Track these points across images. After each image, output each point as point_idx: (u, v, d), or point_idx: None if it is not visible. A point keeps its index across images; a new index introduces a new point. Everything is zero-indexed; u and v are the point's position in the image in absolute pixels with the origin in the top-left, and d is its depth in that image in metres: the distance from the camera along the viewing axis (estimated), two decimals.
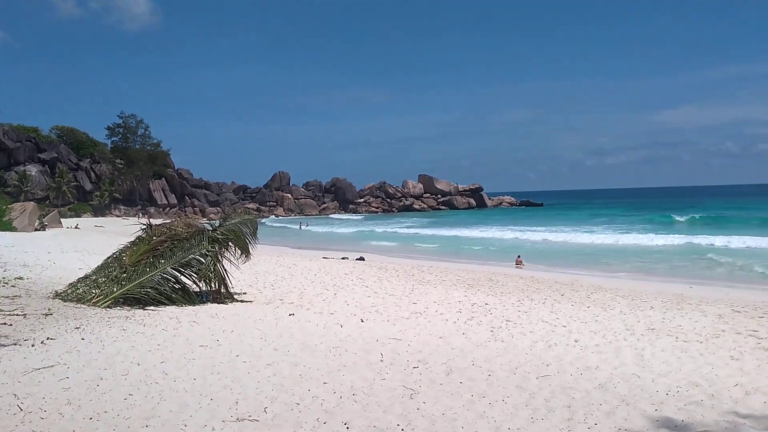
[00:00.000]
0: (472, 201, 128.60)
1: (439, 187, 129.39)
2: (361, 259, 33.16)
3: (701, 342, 12.27)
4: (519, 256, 34.07)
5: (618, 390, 8.95)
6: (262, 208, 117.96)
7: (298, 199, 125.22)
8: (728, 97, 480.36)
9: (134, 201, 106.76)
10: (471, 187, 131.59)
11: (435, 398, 8.43)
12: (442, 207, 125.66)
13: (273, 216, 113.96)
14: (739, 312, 16.02)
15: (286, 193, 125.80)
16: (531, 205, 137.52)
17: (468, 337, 12.60)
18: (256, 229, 18.05)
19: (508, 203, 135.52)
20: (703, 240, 42.67)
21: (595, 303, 17.63)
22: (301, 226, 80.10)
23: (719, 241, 41.32)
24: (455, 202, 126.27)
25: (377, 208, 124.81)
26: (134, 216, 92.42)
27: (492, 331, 13.32)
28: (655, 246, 42.40)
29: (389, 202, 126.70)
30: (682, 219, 66.35)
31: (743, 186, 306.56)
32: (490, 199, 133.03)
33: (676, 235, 47.64)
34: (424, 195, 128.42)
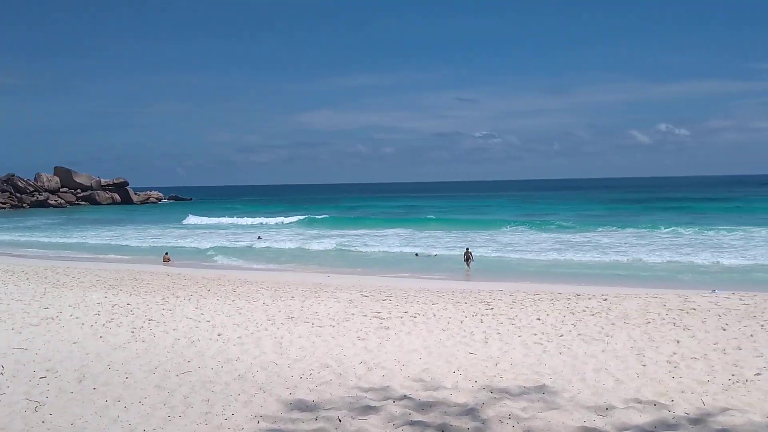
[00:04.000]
0: (117, 196, 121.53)
1: (78, 181, 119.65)
2: None
3: (334, 326, 13.36)
4: (167, 253, 33.28)
5: (256, 379, 9.28)
6: None
7: None
8: (359, 104, 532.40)
9: None
10: (115, 181, 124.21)
11: (64, 408, 7.80)
12: (83, 202, 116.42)
13: None
14: (367, 296, 17.80)
15: None
16: (180, 200, 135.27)
17: (106, 340, 11.92)
18: None
19: (156, 198, 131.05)
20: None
21: (240, 296, 18.04)
22: None
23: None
24: (98, 198, 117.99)
25: (4, 203, 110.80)
26: None
27: (133, 331, 12.80)
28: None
29: (19, 197, 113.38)
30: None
31: (374, 184, 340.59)
32: (136, 194, 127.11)
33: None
34: (61, 189, 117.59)
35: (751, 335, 11.98)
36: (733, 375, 9.33)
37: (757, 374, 9.35)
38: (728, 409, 7.72)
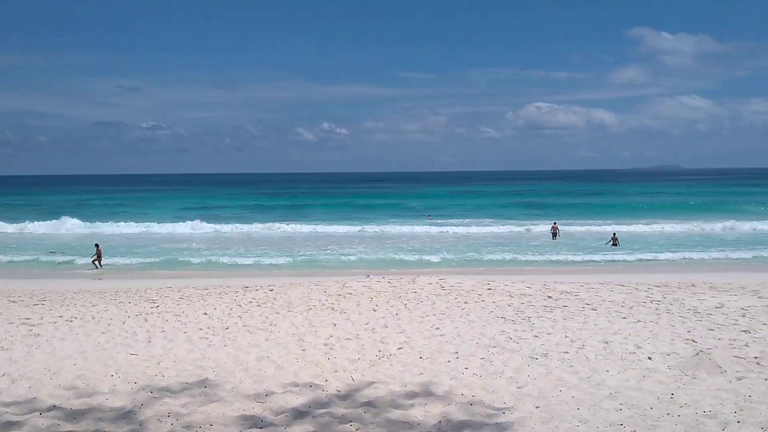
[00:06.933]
0: None
1: None
2: None
3: None
4: None
5: None
6: None
7: None
8: (6, 86, 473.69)
9: None
10: None
11: None
12: None
13: None
14: (14, 302, 15.99)
15: None
16: None
17: None
18: None
19: None
20: None
21: None
22: None
23: None
24: None
25: None
26: None
27: None
28: None
29: None
30: None
31: (23, 177, 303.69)
32: None
33: None
34: None
35: (396, 314, 13.41)
36: (379, 351, 10.34)
37: (399, 348, 10.50)
38: (373, 383, 8.55)
